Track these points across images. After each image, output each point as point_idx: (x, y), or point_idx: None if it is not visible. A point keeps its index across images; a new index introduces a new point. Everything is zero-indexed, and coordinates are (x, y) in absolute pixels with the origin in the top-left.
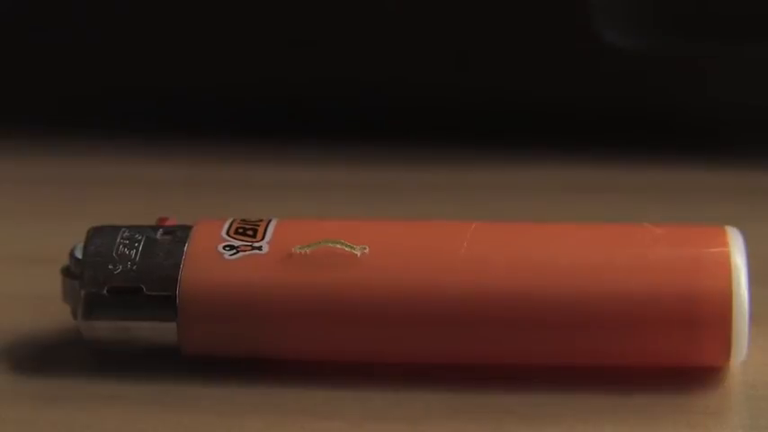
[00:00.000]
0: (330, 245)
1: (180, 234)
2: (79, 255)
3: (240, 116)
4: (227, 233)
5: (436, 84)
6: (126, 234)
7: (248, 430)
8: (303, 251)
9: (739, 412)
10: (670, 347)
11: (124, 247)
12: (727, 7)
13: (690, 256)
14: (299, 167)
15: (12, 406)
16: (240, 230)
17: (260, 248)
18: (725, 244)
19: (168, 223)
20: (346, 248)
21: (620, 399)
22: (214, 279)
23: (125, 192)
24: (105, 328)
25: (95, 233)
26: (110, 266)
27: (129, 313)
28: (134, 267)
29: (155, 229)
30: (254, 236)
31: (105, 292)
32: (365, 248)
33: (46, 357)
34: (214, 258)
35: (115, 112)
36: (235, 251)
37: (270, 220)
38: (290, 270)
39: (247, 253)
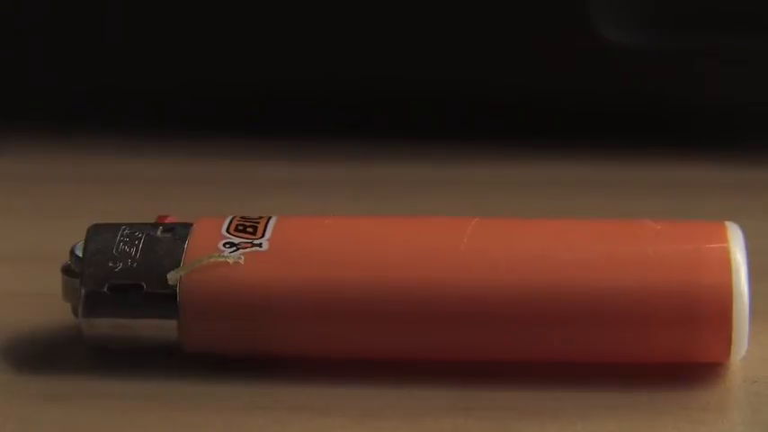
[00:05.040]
0: (203, 262)
1: (180, 231)
2: (79, 253)
3: (240, 114)
4: (228, 230)
5: (436, 81)
6: (126, 232)
7: (249, 427)
8: (178, 275)
9: (740, 408)
10: (670, 343)
11: (124, 244)
12: (727, 4)
13: (690, 251)
14: (300, 165)
15: (13, 404)
16: (240, 228)
17: (260, 245)
18: (725, 240)
19: (168, 221)
20: (219, 259)
21: (620, 395)
22: (214, 277)
23: (124, 189)
24: (106, 325)
25: (96, 231)
26: (110, 264)
27: (130, 311)
28: (134, 265)
29: (155, 226)
30: (254, 233)
31: (106, 289)
32: (240, 257)
33: (47, 355)
34: None
35: (115, 109)
36: (235, 248)
37: (270, 218)
38: (290, 267)
39: (248, 250)
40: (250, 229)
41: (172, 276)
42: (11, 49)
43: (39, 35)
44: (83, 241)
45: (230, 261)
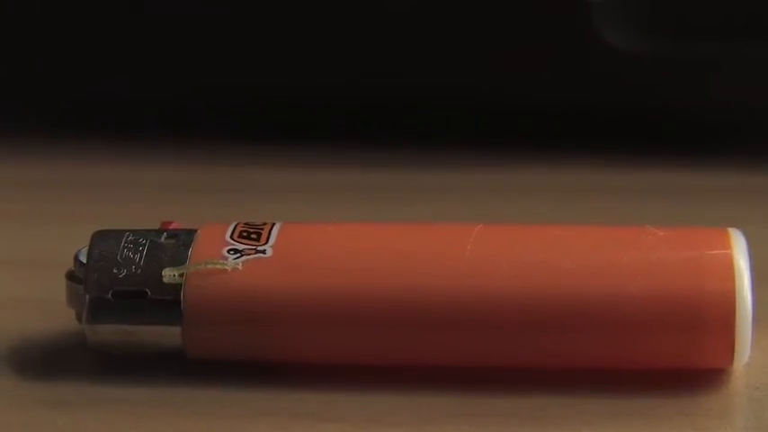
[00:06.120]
0: (201, 267)
1: (184, 238)
2: (84, 259)
3: (243, 119)
4: (232, 237)
5: (438, 85)
6: (130, 238)
7: None
8: (172, 273)
9: (743, 414)
10: (673, 350)
11: (128, 251)
12: (726, 8)
13: (693, 258)
14: (304, 170)
15: (17, 410)
16: (244, 234)
17: (264, 252)
18: (728, 246)
19: (172, 227)
20: (218, 266)
21: (623, 401)
22: (218, 283)
23: (128, 196)
24: (110, 332)
25: (100, 237)
26: (114, 270)
27: (134, 317)
28: (138, 271)
29: (159, 232)
30: (258, 239)
31: (110, 296)
32: (238, 264)
33: (51, 361)
34: None
35: (118, 115)
36: (239, 255)
37: (274, 224)
38: (294, 273)
39: (251, 257)
40: (254, 236)
41: (167, 273)
42: (11, 51)
43: (40, 38)
44: (87, 247)
45: (228, 269)
